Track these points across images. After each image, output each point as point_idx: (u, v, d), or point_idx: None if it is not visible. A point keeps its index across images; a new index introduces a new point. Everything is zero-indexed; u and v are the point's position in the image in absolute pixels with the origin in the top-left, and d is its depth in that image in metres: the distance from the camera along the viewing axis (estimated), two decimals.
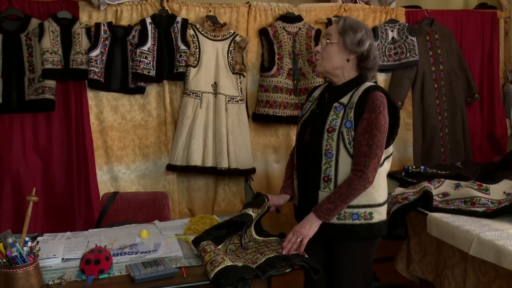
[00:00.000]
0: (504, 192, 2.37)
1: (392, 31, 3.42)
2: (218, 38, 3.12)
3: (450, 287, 2.27)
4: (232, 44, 3.13)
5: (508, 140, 3.77)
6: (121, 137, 3.07)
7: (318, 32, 3.25)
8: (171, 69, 3.05)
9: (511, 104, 3.75)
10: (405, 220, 2.58)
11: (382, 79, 3.46)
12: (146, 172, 3.12)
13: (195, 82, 3.05)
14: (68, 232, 2.12)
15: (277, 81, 3.17)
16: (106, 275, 1.64)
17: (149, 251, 1.86)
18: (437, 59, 3.54)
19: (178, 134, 3.04)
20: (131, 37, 3.00)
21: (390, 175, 3.06)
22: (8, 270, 1.49)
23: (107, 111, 3.03)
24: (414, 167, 3.00)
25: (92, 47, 2.91)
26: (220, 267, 1.59)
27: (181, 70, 3.01)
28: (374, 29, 3.41)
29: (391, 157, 1.97)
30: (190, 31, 3.06)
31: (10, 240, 1.50)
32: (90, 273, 1.62)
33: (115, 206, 2.57)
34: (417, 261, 2.58)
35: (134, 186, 3.09)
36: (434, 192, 2.47)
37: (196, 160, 3.01)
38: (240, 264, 1.67)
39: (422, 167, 2.99)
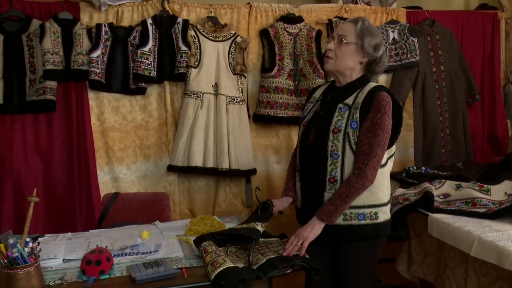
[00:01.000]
0: (505, 193, 2.36)
1: (393, 31, 3.42)
2: (219, 39, 3.12)
3: None
4: (233, 45, 3.13)
5: (509, 141, 3.76)
6: (122, 138, 3.07)
7: (319, 33, 3.25)
8: (172, 70, 3.05)
9: None
10: (406, 221, 2.58)
11: (383, 80, 3.46)
12: (147, 172, 3.12)
13: (196, 83, 3.05)
14: (69, 233, 2.12)
15: (278, 82, 3.17)
16: (107, 276, 1.64)
17: (150, 252, 1.86)
18: (438, 60, 3.53)
19: (179, 135, 3.04)
20: (132, 38, 3.00)
21: (391, 176, 3.05)
22: (9, 271, 1.50)
23: (108, 111, 3.03)
24: (415, 167, 3.00)
25: (93, 48, 2.91)
26: (221, 268, 1.59)
27: (182, 71, 3.02)
28: None
29: (393, 157, 1.98)
30: (191, 32, 3.06)
31: (11, 241, 1.50)
32: (91, 274, 1.62)
33: (116, 207, 2.57)
34: (418, 262, 2.58)
35: (135, 187, 3.09)
36: (435, 193, 2.46)
37: (197, 160, 3.01)
38: (241, 265, 1.67)
39: (423, 168, 2.99)
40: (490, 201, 2.29)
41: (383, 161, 1.88)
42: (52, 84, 2.86)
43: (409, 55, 3.40)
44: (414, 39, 3.41)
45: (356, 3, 3.48)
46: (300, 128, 2.03)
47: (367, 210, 1.87)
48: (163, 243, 1.97)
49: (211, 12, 3.16)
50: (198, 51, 3.08)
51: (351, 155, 1.82)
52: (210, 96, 3.07)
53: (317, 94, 2.06)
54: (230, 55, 3.13)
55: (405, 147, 3.49)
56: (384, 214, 1.92)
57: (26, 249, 1.54)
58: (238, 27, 3.21)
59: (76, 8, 2.97)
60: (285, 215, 2.69)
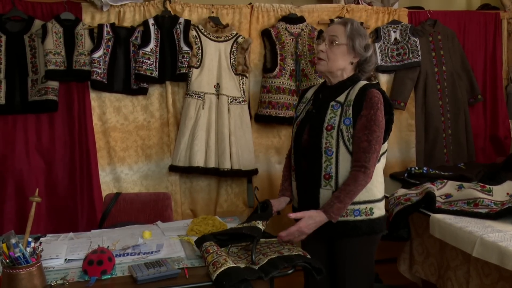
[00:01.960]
0: (508, 193, 2.36)
1: (394, 32, 3.42)
2: (221, 39, 3.12)
3: None
4: (235, 45, 3.13)
5: (511, 141, 3.76)
6: (124, 138, 3.07)
7: (321, 33, 3.25)
8: (174, 70, 3.05)
9: None
10: (407, 221, 2.58)
11: (384, 80, 3.45)
12: (148, 173, 3.13)
13: (198, 83, 3.05)
14: (71, 233, 2.12)
15: (280, 82, 3.17)
16: (109, 276, 1.64)
17: (152, 252, 1.86)
18: (440, 60, 3.53)
19: (180, 135, 3.04)
20: (133, 38, 3.00)
21: (393, 176, 3.07)
22: (11, 271, 1.50)
23: (109, 112, 3.03)
24: (416, 168, 2.99)
25: (95, 48, 2.92)
26: (222, 268, 1.59)
27: (184, 71, 3.02)
28: (377, 30, 3.41)
29: (386, 154, 2.00)
30: (193, 32, 3.07)
31: (13, 241, 1.50)
32: (93, 274, 1.62)
33: (117, 207, 2.57)
34: (419, 262, 2.57)
35: (136, 187, 3.09)
36: (437, 193, 2.46)
37: (199, 161, 3.01)
38: (242, 266, 1.67)
39: (425, 168, 2.98)
40: (492, 201, 2.28)
41: None
42: (54, 84, 2.87)
43: (411, 55, 3.40)
44: (416, 39, 3.40)
45: (358, 3, 3.48)
46: (294, 128, 2.05)
47: (363, 206, 1.89)
48: (164, 243, 1.97)
49: (212, 12, 3.16)
50: (200, 51, 3.08)
51: (345, 152, 1.85)
52: (211, 96, 3.08)
53: (309, 94, 2.09)
54: (231, 56, 3.13)
55: (407, 147, 3.49)
56: (379, 210, 1.94)
57: (28, 249, 1.54)
58: (240, 28, 3.21)
59: (78, 9, 2.97)
60: (284, 215, 2.69)
